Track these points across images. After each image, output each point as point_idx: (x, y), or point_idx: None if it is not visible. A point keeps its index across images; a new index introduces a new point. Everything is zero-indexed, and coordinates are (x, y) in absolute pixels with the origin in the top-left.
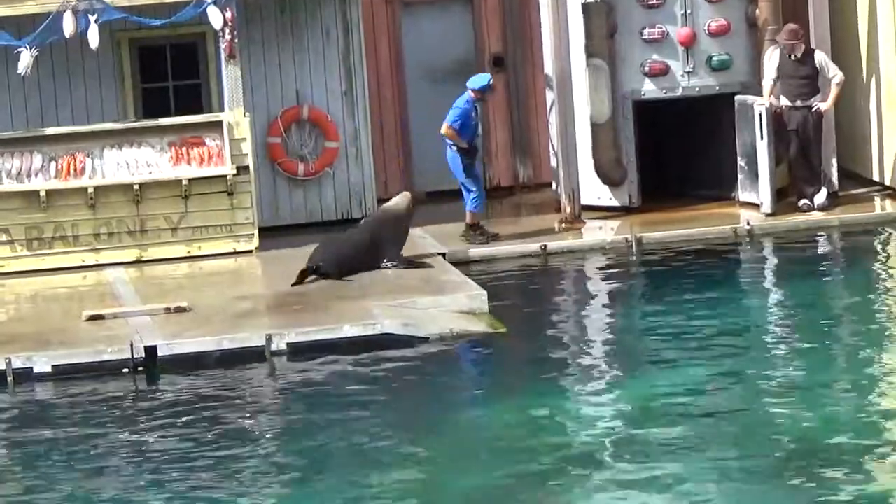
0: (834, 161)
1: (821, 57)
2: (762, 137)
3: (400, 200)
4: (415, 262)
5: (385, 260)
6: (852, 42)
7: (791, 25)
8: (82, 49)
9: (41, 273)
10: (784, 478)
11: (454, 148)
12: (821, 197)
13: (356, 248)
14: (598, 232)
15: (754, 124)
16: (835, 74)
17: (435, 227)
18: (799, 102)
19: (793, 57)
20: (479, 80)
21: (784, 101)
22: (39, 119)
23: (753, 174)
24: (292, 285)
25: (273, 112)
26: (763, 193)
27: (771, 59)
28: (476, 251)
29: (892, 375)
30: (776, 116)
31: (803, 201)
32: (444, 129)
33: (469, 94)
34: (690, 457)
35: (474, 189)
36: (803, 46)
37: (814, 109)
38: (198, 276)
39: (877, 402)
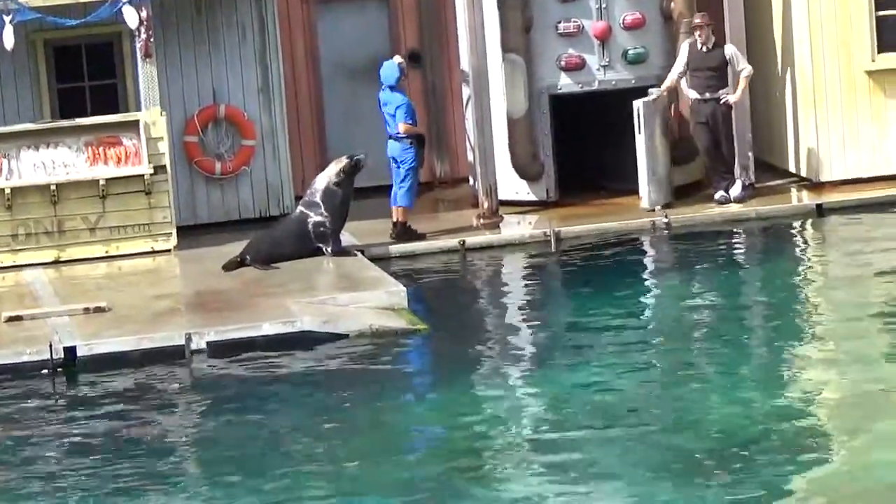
0: (750, 153)
1: (731, 50)
2: (640, 132)
3: (330, 169)
4: (347, 250)
5: (324, 247)
6: (767, 34)
7: (700, 14)
8: None
9: None
10: (704, 468)
11: (408, 142)
12: (736, 189)
13: (279, 238)
14: (517, 227)
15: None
16: (743, 67)
17: (353, 223)
18: (707, 95)
19: (703, 48)
20: (390, 73)
21: (693, 94)
22: None
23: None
24: (222, 267)
25: (189, 111)
26: (642, 188)
27: (681, 52)
28: (395, 248)
29: (807, 366)
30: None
31: (720, 193)
32: (402, 129)
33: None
34: (612, 449)
35: (414, 184)
36: (713, 38)
37: (722, 101)
38: (116, 276)
39: (793, 393)
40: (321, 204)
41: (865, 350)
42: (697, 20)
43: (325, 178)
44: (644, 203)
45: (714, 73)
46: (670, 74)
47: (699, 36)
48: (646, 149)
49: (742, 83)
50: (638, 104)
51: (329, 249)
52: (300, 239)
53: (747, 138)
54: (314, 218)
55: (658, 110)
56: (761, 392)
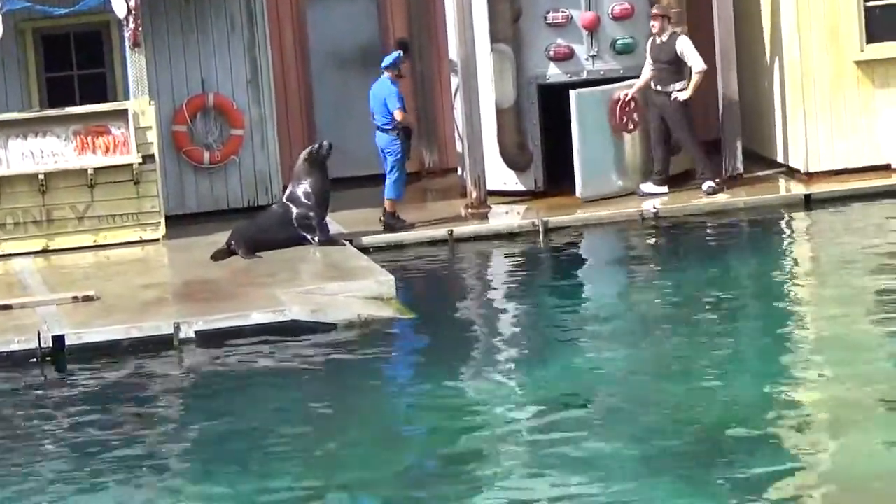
0: (738, 143)
1: (682, 44)
2: (574, 122)
3: (299, 161)
4: (334, 239)
5: (310, 237)
6: (756, 24)
7: (656, 5)
8: None
9: None
10: (689, 458)
11: (395, 132)
12: (707, 185)
13: (264, 227)
14: (505, 217)
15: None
16: (694, 63)
17: (341, 213)
18: (659, 87)
19: (657, 40)
20: (389, 57)
21: (654, 86)
22: None
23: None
24: (211, 257)
25: (178, 100)
26: (576, 179)
27: (647, 43)
28: (382, 237)
29: (795, 357)
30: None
31: (648, 185)
32: (399, 116)
33: (387, 75)
34: (598, 438)
35: (402, 176)
36: (669, 29)
37: (672, 96)
38: (105, 265)
39: (782, 384)
40: (301, 195)
41: (854, 340)
42: (654, 10)
43: (296, 169)
44: (578, 193)
45: (666, 65)
46: (643, 70)
47: (653, 27)
48: (578, 139)
49: (693, 79)
50: (574, 94)
51: (316, 239)
52: (283, 227)
53: (736, 127)
54: (296, 210)
55: (602, 102)
56: (750, 382)
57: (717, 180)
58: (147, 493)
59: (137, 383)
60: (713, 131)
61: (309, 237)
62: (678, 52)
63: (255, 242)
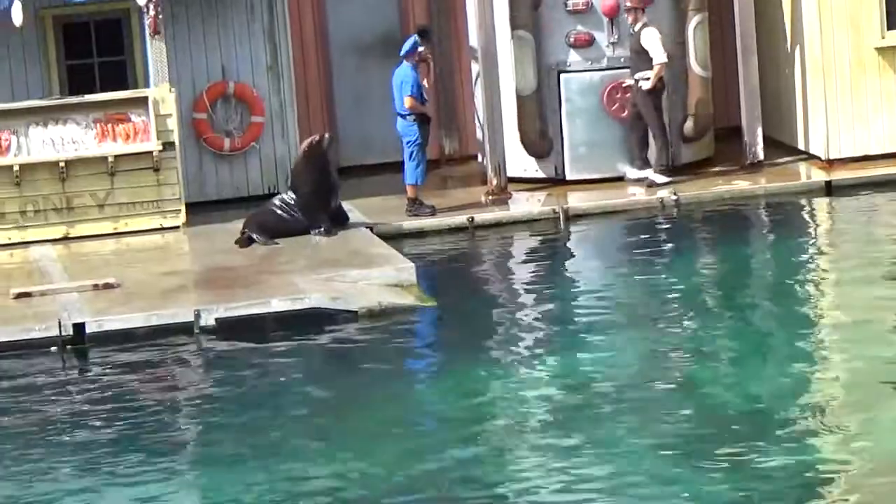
0: (759, 129)
1: (646, 35)
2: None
3: (299, 152)
4: (329, 230)
5: (312, 229)
6: (777, 11)
7: None
8: (6, 26)
9: None
10: (710, 442)
11: (411, 118)
12: (656, 176)
13: (274, 212)
14: (525, 204)
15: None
16: (655, 55)
17: (362, 200)
18: (630, 76)
19: (631, 31)
20: (405, 45)
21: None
22: None
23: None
24: (235, 242)
25: (198, 88)
26: (564, 160)
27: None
28: (404, 224)
29: (816, 345)
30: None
31: (631, 171)
32: (407, 103)
33: (407, 62)
34: (620, 427)
35: (422, 161)
36: (642, 20)
37: (638, 85)
38: (125, 253)
39: (801, 371)
40: (301, 186)
41: (874, 329)
42: (627, 3)
43: (296, 160)
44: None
45: (635, 54)
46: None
47: (628, 17)
48: (567, 122)
49: (654, 70)
50: (563, 78)
51: (317, 230)
52: (289, 216)
53: (756, 114)
54: (281, 198)
55: (595, 86)
56: (774, 368)
57: (667, 179)
58: (167, 481)
59: (158, 371)
60: (734, 118)
61: (314, 231)
62: (642, 44)
63: (268, 229)
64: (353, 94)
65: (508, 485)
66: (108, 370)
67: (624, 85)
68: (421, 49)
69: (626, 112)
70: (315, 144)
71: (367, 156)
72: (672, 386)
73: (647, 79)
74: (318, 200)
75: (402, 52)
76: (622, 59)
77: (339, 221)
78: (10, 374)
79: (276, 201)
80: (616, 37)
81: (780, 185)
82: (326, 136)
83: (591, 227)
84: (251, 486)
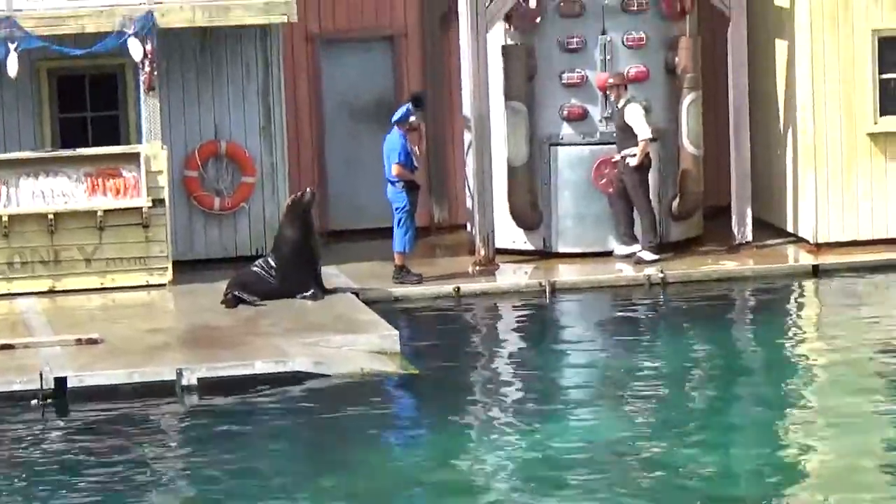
0: (749, 210)
1: (630, 112)
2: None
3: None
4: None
5: (298, 293)
6: (770, 92)
7: (614, 74)
8: (1, 77)
9: None
10: None
11: (400, 185)
12: (644, 253)
13: (256, 273)
14: (512, 275)
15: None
16: (640, 131)
17: (349, 265)
18: (616, 152)
19: (616, 107)
20: (398, 112)
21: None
22: None
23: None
24: (221, 302)
25: (191, 145)
26: (552, 232)
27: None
28: (389, 291)
29: (798, 427)
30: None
31: (620, 248)
32: (395, 171)
33: (398, 130)
34: (595, 500)
35: (410, 228)
36: (625, 97)
37: (625, 161)
38: (110, 308)
39: (782, 452)
40: (281, 246)
41: (856, 413)
42: (610, 80)
43: (281, 218)
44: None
45: (620, 131)
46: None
47: (612, 95)
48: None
49: (640, 146)
50: (554, 151)
51: (304, 295)
52: (268, 279)
53: (747, 196)
54: (261, 261)
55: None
56: (751, 449)
57: (655, 257)
58: None
59: (138, 429)
60: (724, 197)
61: (297, 293)
62: (626, 121)
63: (250, 290)
64: (344, 158)
65: None
66: (87, 426)
67: (613, 160)
68: (412, 118)
69: (613, 187)
70: (297, 200)
71: (357, 220)
72: (647, 465)
73: (634, 155)
74: (300, 262)
75: (394, 119)
76: (614, 134)
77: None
78: None
79: (259, 263)
80: (609, 111)
81: (767, 267)
82: (308, 190)
83: (578, 302)
84: None
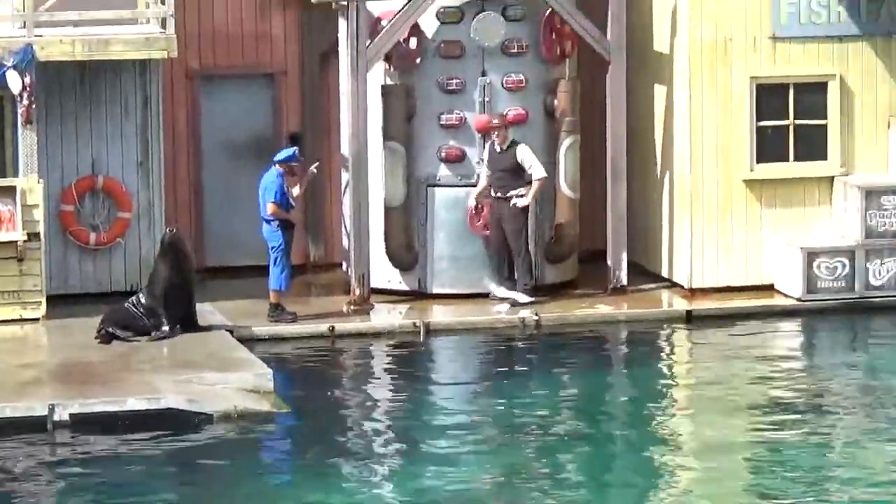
0: (624, 255)
1: (523, 152)
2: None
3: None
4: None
5: (153, 330)
6: (648, 136)
7: (497, 115)
8: None
9: None
10: None
11: (275, 224)
12: (519, 296)
13: (128, 310)
14: (387, 315)
15: None
16: (535, 171)
17: (225, 302)
18: (500, 194)
19: (498, 149)
20: (285, 152)
21: (494, 193)
22: None
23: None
24: (95, 338)
25: (67, 179)
26: (427, 273)
27: (484, 151)
28: (264, 329)
29: (667, 472)
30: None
31: (500, 290)
32: (270, 209)
33: (276, 168)
34: None
35: (286, 267)
36: (509, 138)
37: (512, 202)
38: None
39: (652, 499)
40: (150, 284)
41: (727, 457)
42: (494, 121)
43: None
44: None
45: (506, 173)
46: (479, 178)
47: (496, 137)
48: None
49: (534, 186)
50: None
51: (155, 333)
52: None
53: (622, 240)
54: (133, 298)
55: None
56: (623, 493)
57: (529, 299)
58: None
59: (7, 465)
60: (600, 241)
61: (155, 333)
62: (518, 160)
63: (122, 327)
64: (222, 195)
65: None
66: None
67: (496, 197)
68: (295, 164)
69: (489, 230)
70: (161, 238)
71: (234, 257)
72: None
73: (521, 196)
74: (166, 299)
75: (277, 158)
76: (493, 175)
77: (188, 325)
78: None
79: (132, 299)
80: (487, 154)
81: (641, 311)
82: (168, 229)
83: (451, 343)
84: None
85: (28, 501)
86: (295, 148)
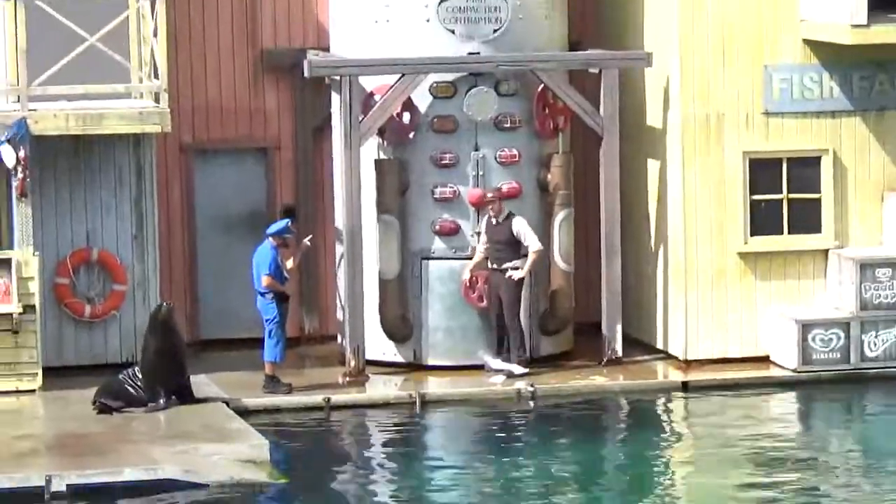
0: (619, 327)
1: (519, 224)
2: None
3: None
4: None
5: (150, 402)
6: (642, 211)
7: (492, 189)
8: None
9: None
10: None
11: (270, 296)
12: (515, 367)
13: (122, 383)
14: (382, 387)
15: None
16: (531, 243)
17: (220, 374)
18: (496, 266)
19: (494, 221)
20: (277, 224)
21: (491, 264)
22: None
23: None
24: (93, 409)
25: (62, 252)
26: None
27: (481, 223)
28: (259, 401)
29: None
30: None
31: (496, 363)
32: (265, 282)
33: (270, 241)
34: None
35: (281, 339)
36: (505, 211)
37: (507, 275)
38: None
39: None
40: (141, 358)
41: None
42: (489, 195)
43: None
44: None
45: (502, 245)
46: (476, 250)
47: (491, 210)
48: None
49: (530, 258)
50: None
51: (152, 405)
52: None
53: (616, 312)
54: (129, 370)
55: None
56: None
57: (524, 371)
58: None
59: None
60: (595, 313)
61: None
62: (514, 233)
63: (117, 399)
64: (217, 267)
65: None
66: None
67: (493, 269)
68: (288, 236)
69: (486, 302)
70: (154, 313)
71: (229, 330)
72: None
73: (517, 268)
74: (159, 372)
75: (269, 231)
76: (489, 248)
77: (183, 397)
78: None
79: (126, 372)
80: (484, 226)
81: (636, 382)
82: (165, 303)
83: (447, 414)
84: None
85: None
86: (287, 220)
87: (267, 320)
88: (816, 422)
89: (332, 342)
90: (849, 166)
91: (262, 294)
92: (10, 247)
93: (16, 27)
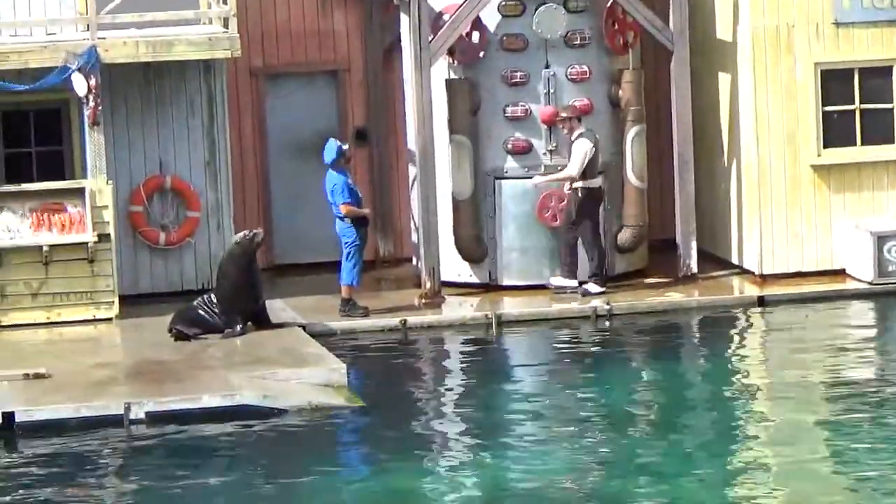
0: (693, 243)
1: (575, 146)
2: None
3: (230, 244)
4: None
5: (227, 328)
6: (714, 125)
7: (563, 107)
8: None
9: None
10: None
11: (349, 220)
12: (590, 286)
13: (197, 310)
14: (458, 308)
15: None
16: (570, 166)
17: (296, 299)
18: (567, 184)
19: (570, 139)
20: (329, 152)
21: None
22: None
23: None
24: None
25: (136, 180)
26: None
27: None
28: (337, 324)
29: (747, 455)
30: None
31: (557, 280)
32: (344, 211)
33: (333, 170)
34: None
35: (359, 262)
36: (577, 130)
37: (578, 193)
38: (57, 343)
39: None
40: (223, 282)
41: (804, 446)
42: (563, 113)
43: (224, 253)
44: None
45: None
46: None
47: (563, 128)
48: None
49: (557, 174)
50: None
51: (227, 331)
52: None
53: (691, 228)
54: (203, 297)
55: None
56: (698, 489)
57: (600, 289)
58: None
59: (85, 463)
60: (669, 230)
61: (226, 328)
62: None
63: (193, 325)
64: (289, 192)
65: None
66: (34, 460)
67: (568, 189)
68: (345, 148)
69: (559, 221)
70: (249, 239)
71: (302, 254)
72: (599, 499)
73: (586, 188)
74: (237, 299)
75: (329, 161)
76: (559, 167)
77: (260, 322)
78: None
79: (201, 299)
80: (554, 144)
81: (712, 298)
82: (258, 231)
83: (523, 334)
84: None
85: (106, 496)
86: (330, 141)
87: (346, 243)
88: (894, 334)
89: (407, 264)
90: None
91: (342, 218)
92: (84, 176)
93: None
